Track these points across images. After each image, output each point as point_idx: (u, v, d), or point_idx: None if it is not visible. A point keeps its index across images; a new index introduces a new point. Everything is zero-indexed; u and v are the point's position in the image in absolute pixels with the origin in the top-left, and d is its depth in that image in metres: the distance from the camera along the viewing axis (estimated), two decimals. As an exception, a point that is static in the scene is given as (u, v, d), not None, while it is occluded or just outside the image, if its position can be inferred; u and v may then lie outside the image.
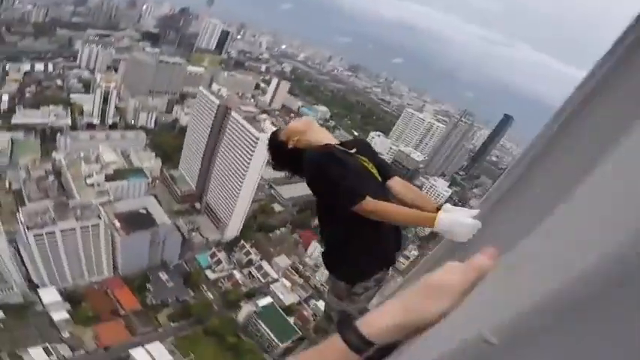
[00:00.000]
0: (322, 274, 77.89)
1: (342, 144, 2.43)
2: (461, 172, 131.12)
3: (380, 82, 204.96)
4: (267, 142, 2.63)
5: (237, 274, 73.58)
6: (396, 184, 2.42)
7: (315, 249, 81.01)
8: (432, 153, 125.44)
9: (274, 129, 2.76)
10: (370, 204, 2.02)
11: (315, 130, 2.46)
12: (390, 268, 2.56)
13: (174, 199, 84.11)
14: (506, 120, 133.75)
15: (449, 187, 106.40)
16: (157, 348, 52.84)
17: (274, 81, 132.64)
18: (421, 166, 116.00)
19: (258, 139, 73.04)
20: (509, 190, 1.56)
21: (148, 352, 51.03)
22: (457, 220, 1.80)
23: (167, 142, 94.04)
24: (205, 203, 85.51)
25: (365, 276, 2.43)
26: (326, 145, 2.36)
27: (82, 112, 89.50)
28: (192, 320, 62.36)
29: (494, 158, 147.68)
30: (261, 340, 63.78)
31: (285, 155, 2.50)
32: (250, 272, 75.67)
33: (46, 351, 47.93)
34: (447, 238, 1.86)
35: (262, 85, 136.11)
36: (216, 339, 60.51)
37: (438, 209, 2.04)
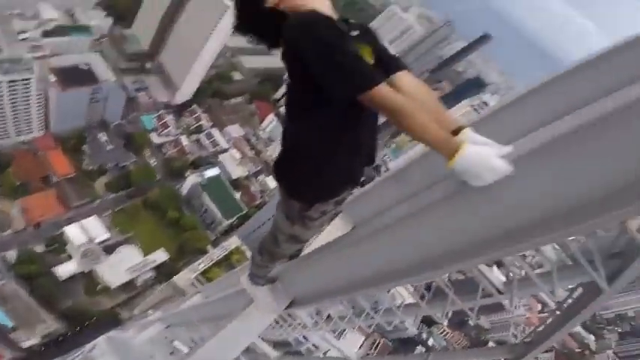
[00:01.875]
0: (275, 149, 78.67)
1: (343, 20, 1.86)
2: (426, 73, 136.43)
3: None
4: None
5: (185, 140, 72.41)
6: (408, 80, 1.89)
7: (272, 122, 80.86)
8: (403, 52, 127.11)
9: None
10: (387, 93, 1.55)
11: None
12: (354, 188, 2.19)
13: (122, 57, 77.78)
14: (484, 38, 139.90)
15: None
16: (94, 224, 53.30)
17: None
18: None
19: (228, 7, 67.71)
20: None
21: (84, 229, 51.57)
22: (486, 159, 1.48)
23: (122, 2, 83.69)
24: (158, 62, 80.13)
25: (327, 196, 2.07)
26: (324, 13, 1.75)
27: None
28: (131, 191, 62.06)
29: (460, 69, 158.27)
30: (205, 215, 65.06)
31: (256, 14, 1.89)
32: (199, 139, 74.85)
33: None
34: (461, 177, 1.54)
35: None
36: (156, 213, 60.85)
37: (455, 133, 1.71)
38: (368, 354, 44.95)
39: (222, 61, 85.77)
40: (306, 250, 3.21)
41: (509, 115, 2.50)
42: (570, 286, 2.50)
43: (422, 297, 3.17)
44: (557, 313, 2.63)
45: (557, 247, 2.18)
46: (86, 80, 61.21)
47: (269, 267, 3.01)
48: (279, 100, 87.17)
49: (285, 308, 3.31)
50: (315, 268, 2.86)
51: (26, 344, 46.91)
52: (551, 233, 1.47)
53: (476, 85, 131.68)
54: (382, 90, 1.53)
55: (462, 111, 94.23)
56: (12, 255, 48.55)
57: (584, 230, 1.50)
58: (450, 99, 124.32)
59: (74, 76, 59.56)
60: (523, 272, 2.44)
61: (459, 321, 67.79)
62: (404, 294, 3.96)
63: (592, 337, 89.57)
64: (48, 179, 56.17)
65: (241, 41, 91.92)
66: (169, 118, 73.07)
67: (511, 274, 2.59)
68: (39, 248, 50.78)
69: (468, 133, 1.68)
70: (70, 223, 52.23)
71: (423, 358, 3.74)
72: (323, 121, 1.80)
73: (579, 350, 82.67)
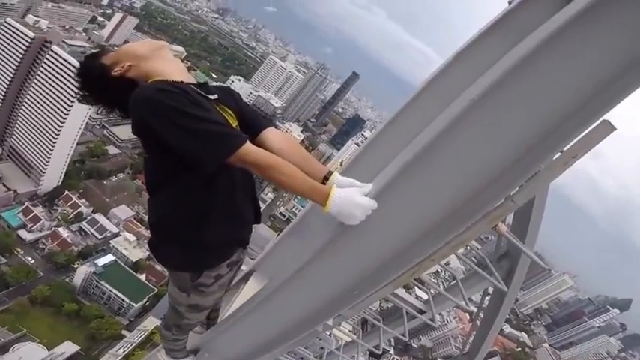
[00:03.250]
0: None
1: (198, 85, 1.75)
2: (312, 119, 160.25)
3: (248, 27, 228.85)
4: (78, 66, 1.87)
5: (64, 232, 66.02)
6: (274, 136, 1.96)
7: None
8: (289, 100, 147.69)
9: (93, 51, 2.01)
10: (254, 151, 1.59)
11: (164, 58, 1.80)
12: (246, 247, 2.16)
13: None
14: (354, 77, 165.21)
15: (302, 132, 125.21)
16: None
17: (117, 15, 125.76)
18: (279, 111, 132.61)
19: None
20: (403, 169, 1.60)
21: None
22: (352, 199, 1.62)
23: None
24: (9, 147, 73.20)
25: (214, 262, 1.97)
26: (173, 80, 1.67)
27: None
28: (11, 291, 56.02)
29: (340, 109, 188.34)
30: (110, 302, 60.83)
31: (102, 85, 1.79)
32: (81, 228, 69.05)
33: None
34: (338, 219, 1.66)
35: (101, 18, 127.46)
36: (50, 308, 55.90)
37: (326, 179, 1.86)
38: None
39: (91, 135, 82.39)
40: (226, 313, 3.38)
41: (372, 151, 2.93)
42: (480, 292, 2.83)
43: (360, 333, 3.59)
44: (481, 317, 2.93)
45: (461, 258, 2.38)
46: None
47: (182, 339, 2.98)
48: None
49: None
50: (237, 329, 2.88)
51: None
52: (426, 251, 1.75)
53: (356, 123, 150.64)
54: (249, 149, 1.59)
55: (350, 150, 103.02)
56: None
57: (455, 243, 1.75)
58: (338, 140, 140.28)
59: None
60: (440, 288, 2.70)
61: (403, 346, 71.98)
62: (341, 335, 4.04)
63: (525, 335, 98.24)
64: None
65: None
66: (39, 211, 65.90)
67: (429, 293, 2.89)
68: None
69: (335, 178, 1.87)
70: None
71: None
72: (189, 187, 1.78)
73: (519, 349, 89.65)
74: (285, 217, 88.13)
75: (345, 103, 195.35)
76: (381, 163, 2.02)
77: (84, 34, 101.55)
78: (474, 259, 2.24)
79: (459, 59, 2.40)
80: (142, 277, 64.74)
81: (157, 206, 1.93)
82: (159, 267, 65.71)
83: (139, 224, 73.25)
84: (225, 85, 2.02)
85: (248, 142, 1.58)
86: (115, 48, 1.93)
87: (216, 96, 1.77)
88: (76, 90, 1.87)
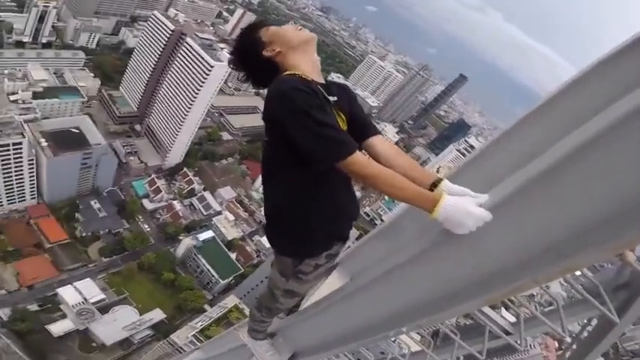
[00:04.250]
0: None
1: (324, 85, 1.97)
2: (410, 122, 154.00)
3: (349, 26, 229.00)
4: (240, 31, 2.17)
5: (178, 205, 73.45)
6: (380, 144, 2.07)
7: None
8: (386, 100, 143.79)
9: (256, 20, 2.34)
10: (362, 161, 1.72)
11: (307, 52, 2.05)
12: (345, 243, 2.33)
13: (112, 120, 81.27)
14: (461, 79, 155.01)
15: (397, 133, 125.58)
16: (88, 285, 53.48)
17: (238, 11, 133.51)
18: (374, 111, 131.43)
19: (212, 67, 73.52)
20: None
21: (78, 290, 51.78)
22: (464, 207, 1.57)
23: (109, 62, 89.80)
24: (147, 126, 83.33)
25: (316, 251, 2.17)
26: (306, 78, 1.88)
27: (10, 31, 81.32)
28: (126, 255, 62.87)
29: (442, 112, 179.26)
30: (201, 276, 65.59)
31: (251, 58, 2.08)
32: (192, 203, 75.99)
33: None
34: (444, 226, 1.64)
35: (225, 14, 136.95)
36: (152, 275, 61.80)
37: (434, 185, 1.88)
38: None
39: (210, 121, 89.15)
40: (306, 303, 3.36)
41: (485, 161, 2.64)
42: (583, 322, 2.57)
43: (430, 345, 3.28)
44: (574, 348, 2.64)
45: (564, 283, 2.13)
46: (77, 144, 62.61)
47: (268, 322, 3.18)
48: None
49: None
50: (314, 320, 2.95)
51: None
52: (534, 272, 1.57)
53: (460, 128, 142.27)
54: (357, 158, 1.68)
55: (450, 156, 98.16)
56: (5, 313, 48.82)
57: (569, 267, 1.56)
58: (437, 144, 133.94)
59: (65, 140, 60.88)
60: (532, 311, 2.51)
61: None
62: (409, 343, 3.85)
63: None
64: (41, 245, 56.82)
65: (228, 100, 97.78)
66: (161, 183, 74.45)
67: (521, 314, 2.71)
68: (32, 307, 51.28)
69: (445, 185, 1.84)
70: (63, 285, 52.83)
71: None
72: (299, 179, 1.91)
73: None
74: (369, 216, 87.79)
75: (448, 107, 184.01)
76: (494, 175, 2.00)
77: (211, 27, 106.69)
78: (581, 286, 2.03)
79: (602, 70, 2.01)
80: (233, 255, 68.63)
81: (271, 192, 2.16)
82: (249, 248, 71.97)
83: (239, 205, 79.02)
84: (343, 83, 2.25)
85: (357, 151, 1.70)
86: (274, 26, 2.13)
87: (335, 98, 1.95)
88: (230, 50, 2.18)
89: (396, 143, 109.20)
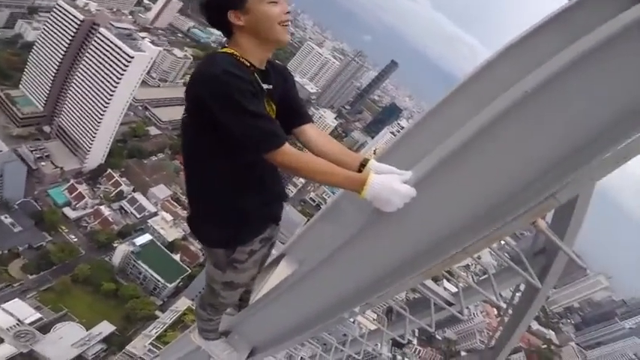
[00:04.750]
0: None
1: (261, 72, 1.82)
2: (347, 107, 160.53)
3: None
4: None
5: (106, 210, 69.24)
6: (311, 131, 2.06)
7: None
8: (324, 86, 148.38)
9: None
10: (290, 153, 1.67)
11: (265, 49, 1.82)
12: (278, 224, 2.28)
13: (13, 122, 72.83)
14: (393, 65, 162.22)
15: (335, 118, 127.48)
16: (18, 306, 49.84)
17: None
18: (313, 97, 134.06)
19: (132, 57, 70.29)
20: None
21: (8, 312, 47.94)
22: (390, 185, 1.62)
23: (4, 59, 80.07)
24: (57, 126, 75.93)
25: (249, 237, 2.10)
26: (244, 62, 1.73)
27: None
28: (55, 269, 58.67)
29: (376, 97, 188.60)
30: (145, 282, 63.31)
31: (212, 12, 1.78)
32: (122, 207, 72.12)
33: None
34: (374, 205, 1.67)
35: (147, 1, 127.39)
36: (89, 287, 58.55)
37: (362, 166, 1.89)
38: None
39: (133, 116, 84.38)
40: (256, 297, 3.35)
41: (410, 140, 2.89)
42: (511, 288, 2.74)
43: (385, 322, 3.57)
44: (510, 313, 2.87)
45: (493, 253, 2.22)
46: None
47: (216, 319, 3.03)
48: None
49: (247, 358, 3.30)
50: (267, 312, 2.90)
51: None
52: (462, 243, 1.64)
53: (393, 112, 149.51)
54: (286, 149, 1.64)
55: (385, 138, 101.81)
56: None
57: (492, 237, 1.63)
58: (372, 128, 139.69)
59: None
60: (470, 281, 2.59)
61: (427, 337, 73.11)
62: (366, 323, 4.10)
63: (552, 333, 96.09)
64: None
65: (153, 93, 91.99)
66: (83, 188, 69.12)
67: (460, 285, 2.82)
68: None
69: (372, 164, 1.85)
70: None
71: None
72: (229, 165, 1.83)
73: (545, 346, 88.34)
74: (315, 202, 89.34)
75: (382, 92, 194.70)
76: (420, 153, 1.99)
77: (130, 16, 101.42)
78: (507, 255, 2.17)
79: (510, 53, 2.35)
80: (177, 257, 67.27)
81: (197, 179, 2.00)
82: (193, 248, 69.70)
83: (175, 204, 76.05)
84: (283, 66, 2.09)
85: (285, 145, 1.67)
86: None
87: (270, 87, 1.86)
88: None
89: (335, 128, 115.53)
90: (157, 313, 59.40)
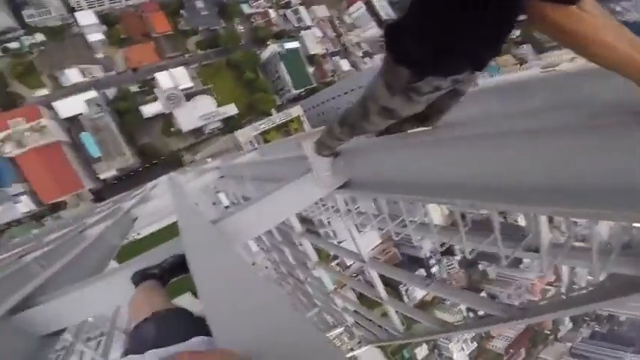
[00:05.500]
0: (357, 35, 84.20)
1: None
2: None
3: None
4: None
5: (272, 13, 79.09)
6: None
7: (359, 9, 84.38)
8: None
9: None
10: (576, 12, 1.22)
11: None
12: (476, 73, 1.75)
13: None
14: None
15: None
16: (181, 73, 62.63)
17: None
18: None
19: None
20: None
21: (172, 76, 61.15)
22: None
23: None
24: None
25: (450, 69, 1.62)
26: None
27: None
28: (218, 50, 70.39)
29: None
30: (277, 81, 72.96)
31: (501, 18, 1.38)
32: (285, 14, 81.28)
33: (81, 72, 60.09)
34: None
35: None
36: (235, 72, 69.61)
37: None
38: (377, 258, 46.64)
39: None
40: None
41: None
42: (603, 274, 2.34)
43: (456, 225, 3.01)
44: (572, 293, 2.59)
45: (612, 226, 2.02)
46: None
47: (342, 140, 2.75)
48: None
49: (338, 187, 3.18)
50: (383, 155, 2.69)
51: (104, 176, 56.78)
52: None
53: None
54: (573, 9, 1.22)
55: None
56: (112, 92, 60.99)
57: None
58: None
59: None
60: (565, 239, 2.36)
61: (469, 262, 69.24)
62: (434, 215, 3.57)
63: (570, 325, 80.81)
64: (148, 34, 68.31)
65: None
66: None
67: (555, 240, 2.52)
68: (133, 88, 62.67)
69: None
70: (161, 70, 62.41)
71: (425, 283, 4.19)
72: None
73: (548, 332, 77.76)
74: None
75: None
76: None
77: None
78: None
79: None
80: (311, 70, 73.84)
81: None
82: (326, 67, 77.98)
83: (329, 24, 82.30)
84: None
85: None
86: None
87: None
88: None
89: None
90: (273, 111, 65.12)
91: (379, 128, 2.46)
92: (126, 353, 1.30)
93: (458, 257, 68.92)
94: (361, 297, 15.13)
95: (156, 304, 1.82)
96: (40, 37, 62.39)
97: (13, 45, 61.74)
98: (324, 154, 3.08)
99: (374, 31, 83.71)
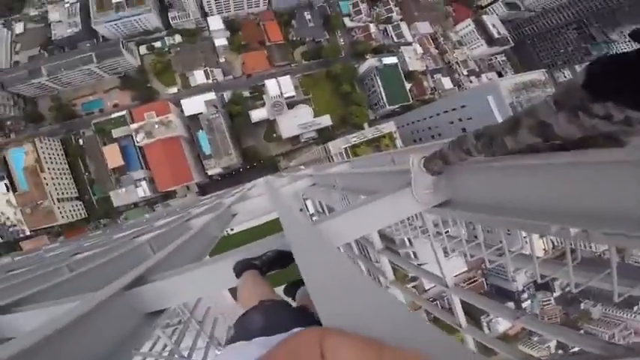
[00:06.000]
0: (463, 53, 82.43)
1: None
2: None
3: None
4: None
5: (373, 28, 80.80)
6: None
7: (467, 26, 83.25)
8: None
9: None
10: None
11: None
12: None
13: None
14: None
15: None
16: (286, 82, 67.03)
17: None
18: None
19: None
20: None
21: (279, 84, 65.85)
22: None
23: None
24: None
25: (629, 100, 1.42)
26: None
27: None
28: (319, 62, 74.60)
29: None
30: (372, 96, 74.40)
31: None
32: (386, 29, 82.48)
33: (206, 74, 66.14)
34: None
35: None
36: (333, 84, 72.71)
37: None
38: (461, 285, 43.48)
39: None
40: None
41: None
42: None
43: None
44: None
45: None
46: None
47: (468, 154, 2.53)
48: (483, 7, 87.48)
49: (435, 205, 3.06)
50: (491, 174, 2.52)
51: (211, 172, 61.12)
52: None
53: None
54: None
55: None
56: (227, 95, 65.95)
57: None
58: None
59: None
60: None
61: (569, 298, 66.77)
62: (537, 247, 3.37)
63: None
64: (263, 42, 73.34)
65: None
66: (363, 7, 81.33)
67: None
68: (245, 93, 67.92)
69: None
70: (270, 78, 66.81)
71: (515, 315, 3.83)
72: None
73: None
74: None
75: None
76: None
77: None
78: None
79: None
80: (408, 86, 73.74)
81: None
82: (426, 84, 78.27)
83: (431, 41, 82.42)
84: None
85: None
86: None
87: None
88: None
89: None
90: (365, 125, 66.95)
91: (520, 146, 2.18)
92: (232, 339, 1.38)
93: (557, 293, 66.57)
94: (435, 322, 17.08)
95: (263, 293, 1.93)
96: (178, 38, 69.52)
97: (157, 44, 69.03)
98: (433, 169, 2.93)
99: (483, 49, 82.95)
